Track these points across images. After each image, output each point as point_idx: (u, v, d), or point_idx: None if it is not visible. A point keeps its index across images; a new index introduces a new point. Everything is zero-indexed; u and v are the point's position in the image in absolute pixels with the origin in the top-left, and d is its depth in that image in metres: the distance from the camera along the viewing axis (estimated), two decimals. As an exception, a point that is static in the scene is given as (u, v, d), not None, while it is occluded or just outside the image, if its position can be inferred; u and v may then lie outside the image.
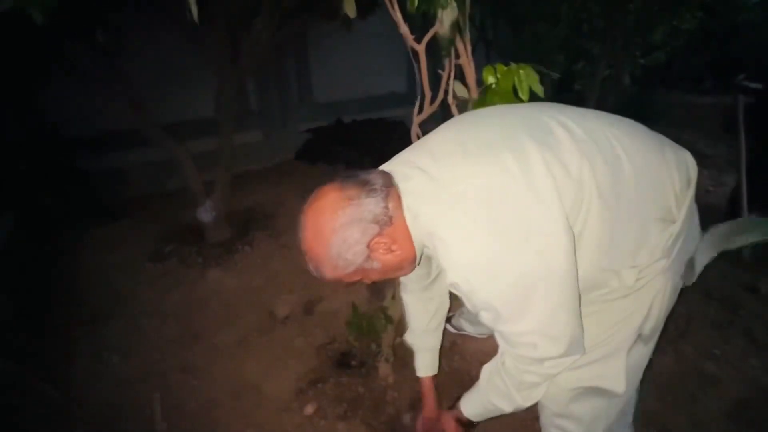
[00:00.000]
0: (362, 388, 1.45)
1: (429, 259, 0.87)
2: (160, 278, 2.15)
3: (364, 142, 3.62)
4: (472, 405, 0.90)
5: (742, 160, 2.15)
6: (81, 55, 1.96)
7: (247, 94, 4.22)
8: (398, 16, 1.10)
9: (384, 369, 1.48)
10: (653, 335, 0.81)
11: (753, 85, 2.16)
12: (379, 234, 0.68)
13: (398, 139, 2.54)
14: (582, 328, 0.72)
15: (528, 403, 0.80)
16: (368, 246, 0.69)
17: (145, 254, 2.32)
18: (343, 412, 1.38)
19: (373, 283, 0.80)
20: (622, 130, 0.75)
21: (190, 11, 0.89)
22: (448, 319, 1.66)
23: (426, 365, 1.15)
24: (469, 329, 1.58)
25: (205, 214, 2.32)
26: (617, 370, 0.79)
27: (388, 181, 0.71)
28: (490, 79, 1.18)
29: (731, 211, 2.63)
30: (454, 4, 1.06)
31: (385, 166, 0.77)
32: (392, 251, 0.70)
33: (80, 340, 1.75)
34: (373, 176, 0.71)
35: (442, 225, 0.66)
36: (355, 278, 0.74)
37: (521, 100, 1.12)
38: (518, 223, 0.63)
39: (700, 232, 0.83)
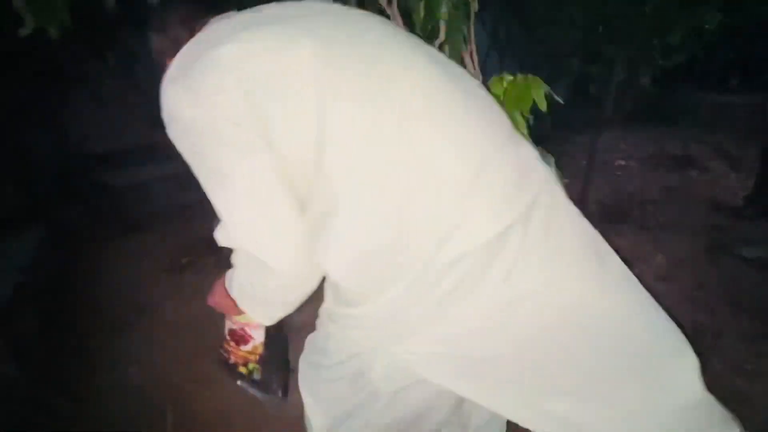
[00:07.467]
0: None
1: None
2: (177, 290, 2.19)
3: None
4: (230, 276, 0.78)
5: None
6: (97, 74, 2.05)
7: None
8: (399, 22, 1.09)
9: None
10: None
11: None
12: None
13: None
14: (306, 251, 0.64)
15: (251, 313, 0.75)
16: None
17: (164, 266, 2.38)
18: None
19: None
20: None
21: None
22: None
23: None
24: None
25: (221, 226, 2.36)
26: None
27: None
28: (498, 91, 1.17)
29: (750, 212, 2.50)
30: (458, 15, 1.05)
31: None
32: None
33: (100, 351, 1.80)
34: None
35: None
36: None
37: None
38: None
39: None
